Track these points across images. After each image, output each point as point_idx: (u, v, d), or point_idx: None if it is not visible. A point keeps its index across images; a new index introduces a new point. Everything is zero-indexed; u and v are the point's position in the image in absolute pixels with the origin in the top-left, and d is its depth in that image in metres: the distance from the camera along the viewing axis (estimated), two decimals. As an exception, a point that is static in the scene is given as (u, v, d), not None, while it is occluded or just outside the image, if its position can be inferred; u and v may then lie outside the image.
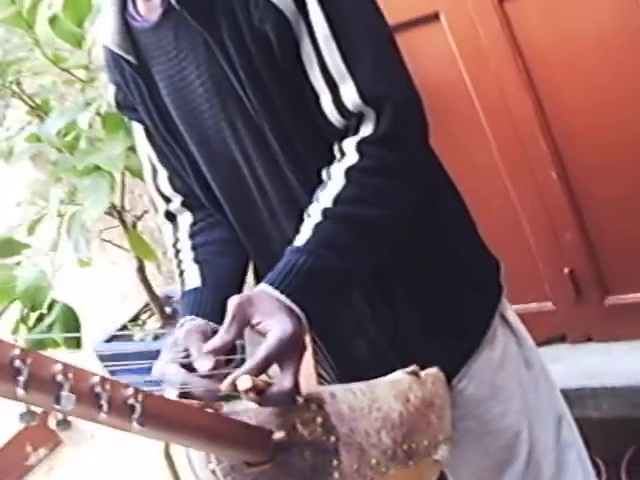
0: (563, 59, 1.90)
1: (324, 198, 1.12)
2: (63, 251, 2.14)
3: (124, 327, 2.78)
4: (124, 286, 3.06)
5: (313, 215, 1.12)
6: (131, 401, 0.85)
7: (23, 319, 2.07)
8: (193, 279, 1.34)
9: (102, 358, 2.53)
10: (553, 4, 1.86)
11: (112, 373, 2.64)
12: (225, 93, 1.19)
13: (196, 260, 1.37)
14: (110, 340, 2.65)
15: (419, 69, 1.17)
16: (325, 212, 1.11)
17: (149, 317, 2.77)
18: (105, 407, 0.82)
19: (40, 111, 2.49)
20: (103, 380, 0.82)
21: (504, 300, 1.37)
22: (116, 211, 2.40)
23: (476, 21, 1.95)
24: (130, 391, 0.85)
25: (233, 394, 0.98)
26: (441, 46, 1.99)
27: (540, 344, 1.41)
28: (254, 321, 1.01)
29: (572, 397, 1.68)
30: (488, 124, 2.06)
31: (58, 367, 0.78)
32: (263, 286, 1.06)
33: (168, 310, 2.68)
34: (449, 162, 1.31)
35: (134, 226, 2.52)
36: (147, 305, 2.78)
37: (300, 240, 1.11)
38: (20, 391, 0.74)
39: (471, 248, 1.36)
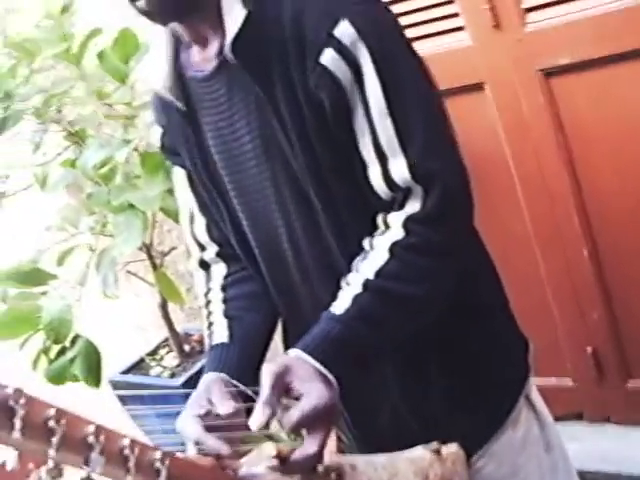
0: (605, 140, 1.91)
1: (365, 269, 1.13)
2: (90, 284, 2.16)
3: (142, 360, 2.78)
4: (145, 318, 3.06)
5: (353, 285, 1.13)
6: (157, 465, 0.86)
7: (45, 350, 2.08)
8: (221, 333, 1.34)
9: (116, 388, 2.54)
10: (601, 85, 1.87)
11: (124, 403, 2.66)
12: (273, 152, 1.19)
13: (226, 314, 1.37)
14: (127, 372, 2.66)
15: (460, 136, 1.17)
16: (366, 284, 1.12)
17: (167, 353, 2.78)
18: (132, 469, 0.82)
19: (77, 138, 2.52)
20: (133, 443, 0.83)
21: (531, 381, 1.36)
22: (144, 245, 2.41)
23: (520, 94, 1.96)
24: (158, 455, 0.86)
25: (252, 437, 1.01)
26: (484, 116, 2.01)
27: (556, 419, 1.40)
28: (290, 387, 1.03)
29: (587, 480, 1.67)
30: (524, 196, 2.07)
31: (91, 429, 0.79)
32: (299, 352, 1.08)
33: (187, 348, 2.69)
34: (482, 228, 1.32)
35: (161, 262, 2.54)
36: (166, 340, 2.79)
37: (338, 308, 1.12)
38: (52, 452, 0.75)
39: (504, 328, 1.36)
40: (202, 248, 1.43)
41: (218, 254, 1.41)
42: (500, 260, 1.38)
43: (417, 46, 1.18)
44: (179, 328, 2.76)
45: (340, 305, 1.12)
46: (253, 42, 1.14)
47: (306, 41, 1.11)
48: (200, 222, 1.41)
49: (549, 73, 1.93)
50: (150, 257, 2.50)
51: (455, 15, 1.97)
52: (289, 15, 1.13)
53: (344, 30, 1.10)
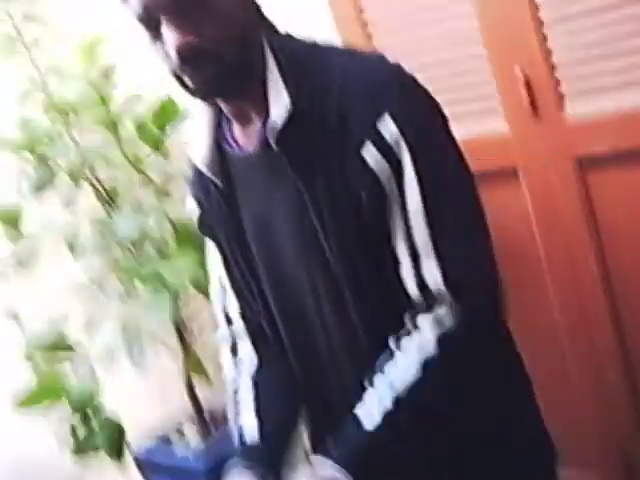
0: (638, 236, 1.89)
1: (392, 374, 1.14)
2: (117, 353, 2.16)
3: (166, 436, 2.76)
4: (170, 392, 3.05)
5: (379, 388, 1.14)
6: None
7: (68, 420, 2.07)
8: (250, 425, 1.34)
9: (140, 465, 2.52)
10: (638, 179, 1.85)
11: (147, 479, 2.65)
12: (308, 239, 1.20)
13: (254, 404, 1.37)
14: (151, 448, 2.64)
15: (491, 222, 1.18)
16: (397, 402, 1.12)
17: (191, 429, 2.76)
18: None
19: (109, 198, 2.55)
20: None
21: None
22: (174, 318, 2.40)
23: (555, 183, 1.95)
24: None
25: None
26: (517, 203, 1.99)
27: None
28: None
29: None
30: (552, 285, 2.05)
31: None
32: (335, 466, 1.10)
33: (209, 417, 2.68)
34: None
35: (190, 337, 2.53)
36: (191, 414, 2.77)
37: (368, 422, 1.13)
38: None
39: (532, 435, 1.34)
40: (230, 322, 1.44)
41: (246, 331, 1.42)
42: (525, 347, 1.36)
43: (453, 129, 1.18)
44: (204, 402, 2.75)
45: (370, 419, 1.13)
46: (296, 132, 1.15)
47: (349, 132, 1.12)
48: (230, 296, 1.42)
49: (585, 164, 1.92)
50: (179, 331, 2.49)
51: (493, 101, 1.97)
52: (334, 106, 1.14)
53: (386, 125, 1.11)
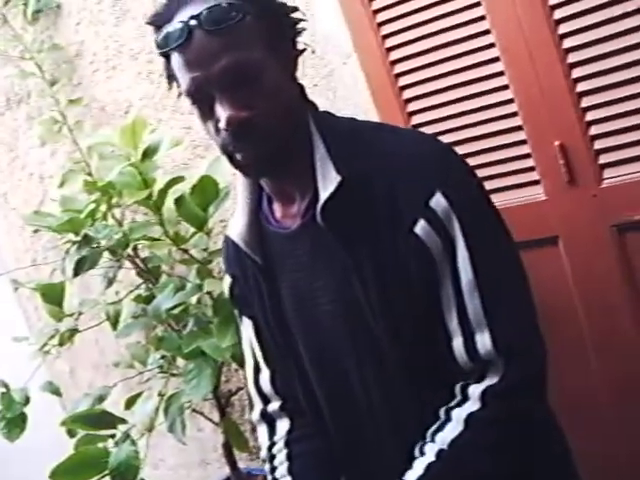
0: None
1: (441, 440, 1.15)
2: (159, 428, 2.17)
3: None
4: (207, 454, 3.05)
5: (428, 454, 1.15)
6: None
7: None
8: None
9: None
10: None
11: None
12: (353, 315, 1.21)
13: (290, 472, 1.37)
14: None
15: (532, 289, 1.19)
16: (440, 453, 1.14)
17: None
18: None
19: (150, 275, 2.59)
20: None
21: None
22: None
23: (594, 249, 1.95)
24: None
25: None
26: (556, 269, 1.99)
27: None
28: None
29: None
30: (595, 355, 2.03)
31: None
32: None
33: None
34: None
35: (226, 402, 2.54)
36: (228, 479, 2.75)
37: (411, 476, 1.15)
38: None
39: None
40: (266, 400, 1.44)
41: (282, 408, 1.42)
42: (566, 415, 1.37)
43: (493, 198, 1.21)
44: (242, 466, 2.74)
45: (414, 474, 1.15)
46: (342, 207, 1.17)
47: (400, 210, 1.15)
48: (265, 374, 1.42)
49: (623, 229, 1.92)
50: (216, 397, 2.50)
51: (531, 169, 1.99)
52: (383, 183, 1.16)
53: (438, 202, 1.14)
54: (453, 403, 1.17)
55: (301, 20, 1.22)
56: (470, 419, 1.14)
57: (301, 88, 1.24)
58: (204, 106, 1.15)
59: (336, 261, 1.20)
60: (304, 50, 1.23)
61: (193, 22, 1.11)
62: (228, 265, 1.42)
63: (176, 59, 1.14)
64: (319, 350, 1.29)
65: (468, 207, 1.16)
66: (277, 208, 1.29)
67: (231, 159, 1.19)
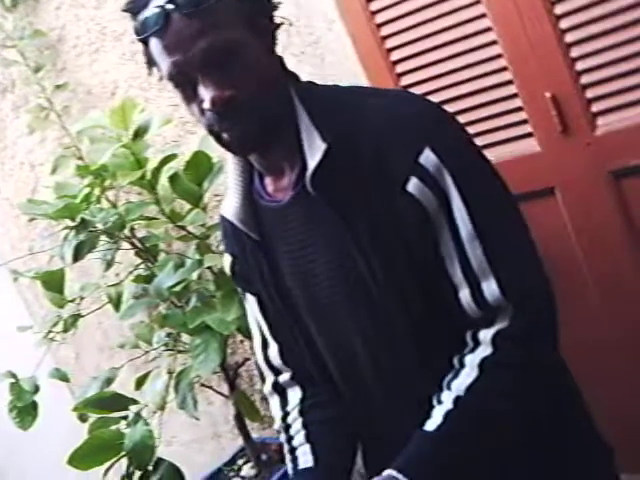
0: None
1: (457, 387, 1.15)
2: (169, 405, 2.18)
3: (219, 470, 2.77)
4: (219, 427, 3.06)
5: (445, 402, 1.15)
6: None
7: (128, 476, 2.09)
8: (306, 458, 1.35)
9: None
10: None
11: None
12: (352, 279, 1.21)
13: (308, 439, 1.37)
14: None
15: None
16: (457, 400, 1.14)
17: (244, 463, 2.76)
18: None
19: (149, 255, 2.58)
20: None
21: None
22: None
23: (591, 197, 1.96)
24: None
25: None
26: (555, 220, 2.00)
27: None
28: None
29: None
30: (599, 297, 2.04)
31: None
32: (393, 472, 1.11)
33: (264, 457, 2.67)
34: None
35: (234, 375, 2.54)
36: (243, 450, 2.77)
37: (431, 425, 1.15)
38: None
39: (587, 438, 1.34)
40: (276, 372, 1.44)
41: (293, 378, 1.42)
42: (574, 362, 1.36)
43: (487, 153, 1.21)
44: (255, 436, 2.75)
45: (433, 422, 1.15)
46: (332, 174, 1.17)
47: (390, 170, 1.15)
48: (273, 347, 1.43)
49: (620, 175, 1.93)
50: (224, 369, 2.51)
51: (524, 122, 1.99)
52: (370, 146, 1.16)
53: (427, 158, 1.13)
54: (466, 350, 1.18)
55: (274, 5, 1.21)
56: (484, 364, 1.14)
57: (281, 61, 1.23)
58: (187, 89, 1.14)
59: (331, 228, 1.20)
60: (282, 24, 1.22)
61: (170, 6, 1.10)
62: (227, 244, 1.42)
63: (155, 44, 1.13)
64: (324, 319, 1.29)
65: (458, 160, 1.16)
66: (268, 182, 1.29)
67: (218, 139, 1.19)
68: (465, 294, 1.16)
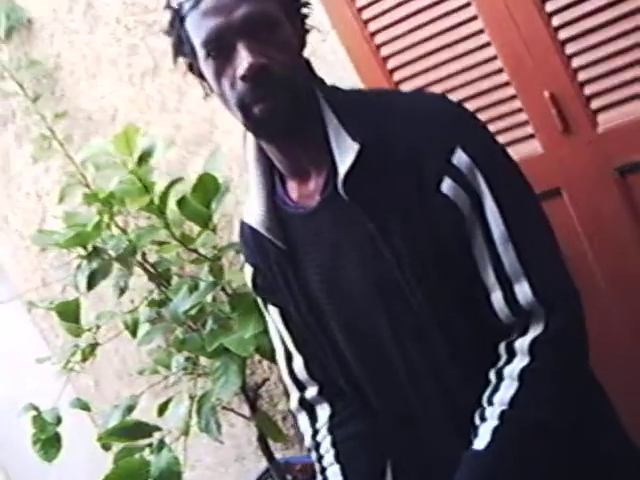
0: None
1: (499, 401, 1.18)
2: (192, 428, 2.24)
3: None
4: (242, 449, 3.12)
5: (490, 418, 1.18)
6: None
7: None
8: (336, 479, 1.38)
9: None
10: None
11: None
12: (385, 285, 1.23)
13: (337, 459, 1.40)
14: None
15: None
16: (502, 415, 1.17)
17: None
18: None
19: (162, 279, 2.65)
20: None
21: None
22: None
23: (598, 195, 1.99)
24: None
25: None
26: (563, 220, 2.02)
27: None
28: None
29: None
30: (611, 296, 2.07)
31: None
32: None
33: (289, 478, 2.71)
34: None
35: (255, 396, 2.59)
36: (267, 471, 2.81)
37: (480, 444, 1.17)
38: None
39: (619, 442, 1.37)
40: (302, 387, 1.45)
41: (320, 393, 1.43)
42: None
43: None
44: (279, 457, 2.79)
45: (481, 440, 1.17)
46: (364, 176, 1.19)
47: (424, 170, 1.18)
48: (298, 360, 1.43)
49: (625, 171, 1.96)
50: (244, 391, 2.56)
51: (525, 123, 2.03)
52: (402, 147, 1.19)
53: (460, 158, 1.17)
54: (501, 362, 1.20)
55: (308, 3, 1.27)
56: (524, 374, 1.17)
57: (308, 63, 1.28)
58: (221, 56, 1.18)
59: (362, 233, 1.22)
60: (311, 29, 1.28)
61: None
62: (248, 254, 1.43)
63: (194, 15, 1.18)
64: (353, 326, 1.31)
65: (489, 160, 1.20)
66: (293, 188, 1.31)
67: (247, 116, 1.21)
68: (498, 297, 1.19)
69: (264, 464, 2.80)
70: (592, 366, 1.34)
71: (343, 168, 1.20)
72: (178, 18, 1.22)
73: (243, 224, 1.40)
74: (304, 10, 1.27)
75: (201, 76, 1.27)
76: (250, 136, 1.33)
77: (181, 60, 1.28)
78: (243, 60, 1.16)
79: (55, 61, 2.88)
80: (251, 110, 1.19)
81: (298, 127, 1.23)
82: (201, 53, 1.21)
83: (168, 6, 1.25)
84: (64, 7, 2.76)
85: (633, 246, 2.00)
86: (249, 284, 1.46)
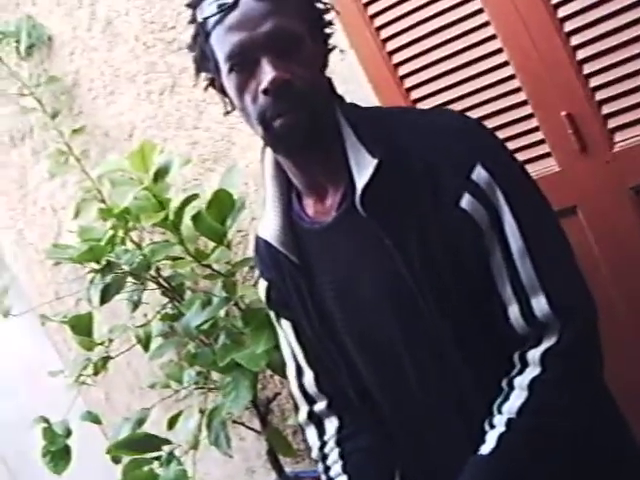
0: None
1: (508, 409, 1.17)
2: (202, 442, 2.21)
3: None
4: (252, 462, 3.09)
5: (498, 425, 1.17)
6: None
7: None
8: None
9: None
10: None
11: None
12: (401, 300, 1.23)
13: (344, 470, 1.39)
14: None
15: None
16: (509, 423, 1.16)
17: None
18: None
19: (175, 293, 2.63)
20: None
21: None
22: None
23: (614, 215, 1.97)
24: None
25: None
26: (579, 239, 1.97)
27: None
28: None
29: None
30: (627, 315, 2.04)
31: None
32: None
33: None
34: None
35: (266, 410, 2.56)
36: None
37: (485, 449, 1.16)
38: None
39: (625, 443, 1.36)
40: (311, 401, 1.45)
41: (329, 406, 1.43)
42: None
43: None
44: (288, 470, 2.76)
45: (487, 446, 1.16)
46: (382, 192, 1.19)
47: (443, 186, 1.17)
48: (309, 375, 1.43)
49: (641, 191, 1.93)
50: (255, 405, 2.54)
51: (541, 142, 2.01)
52: (420, 162, 1.19)
53: (479, 174, 1.17)
54: (514, 372, 1.20)
55: (331, 23, 1.27)
56: (534, 384, 1.16)
57: (329, 81, 1.27)
58: (245, 70, 1.18)
59: (379, 249, 1.21)
60: (333, 48, 1.28)
61: None
62: (262, 269, 1.43)
63: (219, 30, 1.18)
64: (367, 337, 1.30)
65: (508, 176, 1.20)
66: (309, 204, 1.30)
67: (268, 129, 1.20)
68: (514, 310, 1.18)
69: (273, 478, 2.77)
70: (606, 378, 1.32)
71: (361, 183, 1.19)
72: (203, 33, 1.22)
73: (258, 239, 1.40)
74: (327, 29, 1.27)
75: (222, 92, 1.27)
76: (268, 152, 1.32)
77: (203, 75, 1.28)
78: (267, 74, 1.16)
79: (74, 78, 2.88)
80: (271, 124, 1.19)
81: (316, 143, 1.22)
82: (224, 67, 1.21)
83: (193, 20, 1.25)
84: (84, 25, 2.77)
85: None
86: (263, 298, 1.45)
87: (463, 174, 1.17)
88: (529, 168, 1.99)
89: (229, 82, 1.22)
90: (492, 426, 1.18)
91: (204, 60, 1.24)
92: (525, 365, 1.19)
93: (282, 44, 1.17)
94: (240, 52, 1.17)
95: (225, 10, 1.17)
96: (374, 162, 1.18)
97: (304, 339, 1.41)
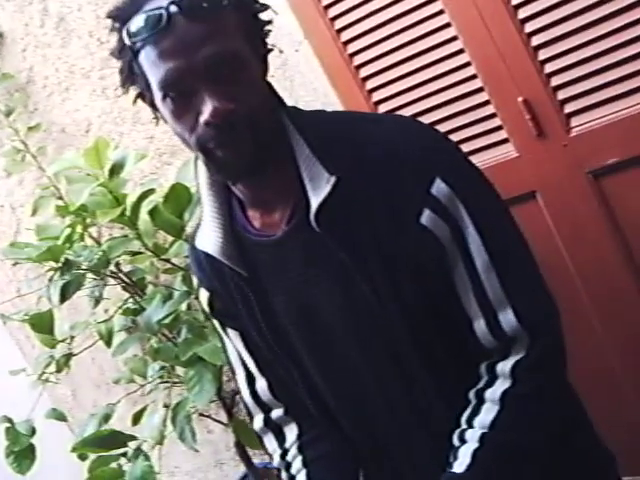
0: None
1: (480, 423, 1.10)
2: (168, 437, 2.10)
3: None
4: (221, 455, 2.98)
5: (470, 440, 1.10)
6: None
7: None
8: None
9: None
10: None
11: None
12: (360, 315, 1.13)
13: (309, 478, 1.28)
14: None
15: None
16: (482, 438, 1.09)
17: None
18: None
19: (136, 288, 2.50)
20: None
21: None
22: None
23: (573, 199, 1.91)
24: None
25: None
26: (538, 224, 1.94)
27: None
28: None
29: None
30: (589, 298, 1.99)
31: None
32: None
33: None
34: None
35: (232, 403, 2.46)
36: (246, 476, 2.68)
37: (459, 467, 1.09)
38: None
39: (591, 445, 1.29)
40: (266, 409, 1.33)
41: (286, 413, 1.32)
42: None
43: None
44: (257, 462, 2.66)
45: (461, 463, 1.09)
46: (338, 209, 1.08)
47: (401, 202, 1.08)
48: (261, 381, 1.32)
49: (598, 174, 1.88)
50: (221, 398, 2.43)
51: (499, 128, 1.93)
52: (377, 178, 1.08)
53: (439, 188, 1.07)
54: (482, 384, 1.12)
55: (270, 22, 1.12)
56: (505, 397, 1.09)
57: (269, 85, 1.14)
58: (180, 100, 1.03)
59: (335, 264, 1.11)
60: (272, 49, 1.13)
61: (173, 8, 1.00)
62: (202, 278, 1.29)
63: (150, 51, 1.02)
64: (327, 355, 1.21)
65: (469, 189, 1.10)
66: (255, 217, 1.18)
67: (210, 157, 1.06)
68: (480, 325, 1.10)
69: (243, 469, 2.68)
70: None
71: (316, 201, 1.08)
72: (130, 50, 1.05)
73: (194, 249, 1.25)
74: (265, 29, 1.12)
75: (153, 106, 1.11)
76: (201, 162, 1.16)
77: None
78: (207, 106, 1.01)
79: (28, 75, 2.74)
80: (214, 153, 1.06)
81: (263, 169, 1.09)
82: (158, 92, 1.05)
83: (113, 29, 1.07)
84: (36, 21, 2.63)
85: (608, 247, 1.93)
86: (205, 308, 1.32)
87: (423, 189, 1.07)
88: (487, 154, 1.95)
89: (164, 107, 1.06)
90: (463, 441, 1.10)
91: (132, 75, 1.07)
92: (494, 377, 1.11)
93: (224, 69, 1.01)
94: (177, 82, 1.01)
95: (156, 31, 1.01)
96: (332, 180, 1.07)
97: (253, 347, 1.29)
